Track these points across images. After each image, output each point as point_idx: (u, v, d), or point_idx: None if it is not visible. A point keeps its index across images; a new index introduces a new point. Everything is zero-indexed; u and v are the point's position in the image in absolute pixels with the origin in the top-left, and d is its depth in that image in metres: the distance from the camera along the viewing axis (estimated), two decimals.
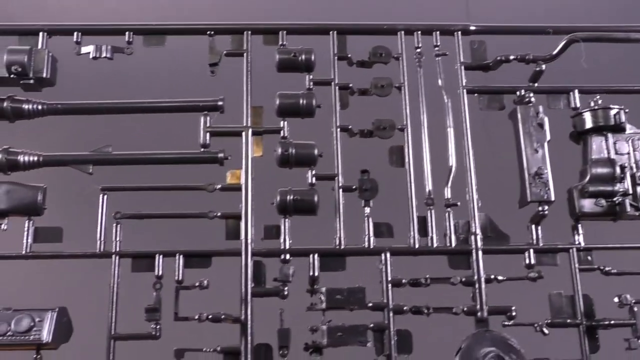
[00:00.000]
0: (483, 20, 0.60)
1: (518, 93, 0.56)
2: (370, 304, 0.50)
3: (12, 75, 0.52)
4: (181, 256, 0.50)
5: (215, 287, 0.51)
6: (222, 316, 0.48)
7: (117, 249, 0.50)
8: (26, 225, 0.50)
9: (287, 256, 0.50)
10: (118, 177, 0.53)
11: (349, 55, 0.56)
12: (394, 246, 0.52)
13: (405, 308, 0.50)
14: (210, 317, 0.48)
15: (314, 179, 0.52)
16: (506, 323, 0.51)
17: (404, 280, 0.51)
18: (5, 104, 0.52)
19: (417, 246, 0.51)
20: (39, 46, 0.54)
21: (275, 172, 0.54)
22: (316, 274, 0.50)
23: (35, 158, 0.52)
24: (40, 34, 0.55)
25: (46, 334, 0.47)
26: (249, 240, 0.50)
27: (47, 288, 0.55)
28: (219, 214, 0.51)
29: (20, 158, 0.52)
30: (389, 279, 0.50)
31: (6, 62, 0.52)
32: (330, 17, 0.58)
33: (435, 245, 0.51)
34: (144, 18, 0.57)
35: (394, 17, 0.59)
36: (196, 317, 0.48)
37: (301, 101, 0.53)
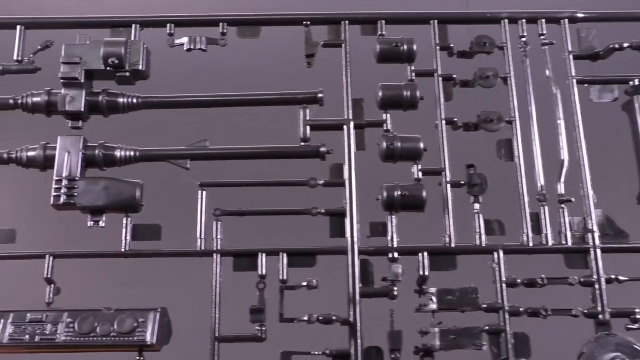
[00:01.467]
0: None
1: (631, 83, 0.54)
2: (485, 306, 0.47)
3: (108, 68, 0.51)
4: (285, 255, 0.48)
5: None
6: (334, 317, 0.46)
7: (219, 248, 0.48)
8: (124, 222, 0.49)
9: (396, 255, 0.48)
10: (211, 173, 0.52)
11: (452, 45, 0.54)
12: (507, 244, 0.49)
13: (521, 310, 0.48)
14: (321, 318, 0.46)
15: (420, 174, 0.50)
16: (630, 326, 0.48)
17: (518, 281, 0.48)
18: (100, 98, 0.51)
19: (531, 244, 0.49)
20: (132, 38, 0.53)
21: (373, 167, 0.52)
22: (426, 273, 0.48)
23: (132, 153, 0.51)
24: (133, 26, 0.54)
25: (150, 335, 0.45)
26: (355, 239, 0.48)
27: (146, 287, 0.53)
28: (322, 210, 0.50)
29: (117, 153, 0.51)
30: (503, 279, 0.48)
31: (103, 55, 0.51)
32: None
33: (550, 243, 0.49)
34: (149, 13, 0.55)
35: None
36: (305, 318, 0.46)
37: (405, 93, 0.51)
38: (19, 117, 0.52)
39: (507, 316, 0.46)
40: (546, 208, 0.49)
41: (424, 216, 0.50)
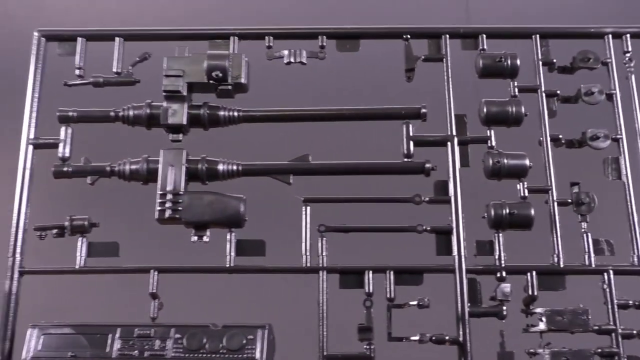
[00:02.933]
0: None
1: None
2: (596, 327, 0.47)
3: (210, 81, 0.51)
4: (392, 272, 0.48)
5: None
6: (447, 337, 0.46)
7: (324, 264, 0.48)
8: (228, 237, 0.49)
9: (504, 274, 0.47)
10: (309, 189, 0.51)
11: (554, 60, 0.53)
12: (617, 265, 0.49)
13: (634, 332, 0.47)
14: (433, 338, 0.46)
15: (526, 191, 0.50)
16: None
17: (630, 302, 0.47)
18: (201, 111, 0.51)
19: None
20: (230, 50, 0.53)
21: (475, 184, 0.52)
22: (535, 293, 0.47)
23: (235, 167, 0.50)
24: (232, 38, 0.53)
25: (259, 353, 0.45)
26: (462, 257, 0.48)
27: (247, 303, 0.53)
28: (428, 227, 0.49)
29: (220, 167, 0.51)
30: (615, 300, 0.47)
31: (207, 67, 0.50)
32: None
33: None
34: (144, 18, 0.54)
35: (389, 19, 0.56)
36: (417, 337, 0.46)
37: (510, 109, 0.51)
38: (107, 129, 0.52)
39: (620, 338, 0.45)
40: None
41: (528, 234, 0.50)
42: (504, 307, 0.46)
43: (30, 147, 0.50)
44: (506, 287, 0.46)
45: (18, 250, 0.47)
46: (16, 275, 0.47)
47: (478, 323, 0.47)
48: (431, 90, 0.52)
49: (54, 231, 0.48)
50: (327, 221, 0.48)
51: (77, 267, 0.48)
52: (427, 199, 0.49)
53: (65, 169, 0.50)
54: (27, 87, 0.51)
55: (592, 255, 0.47)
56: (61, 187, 0.51)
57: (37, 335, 0.46)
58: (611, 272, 0.47)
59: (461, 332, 0.45)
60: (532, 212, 0.48)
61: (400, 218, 0.49)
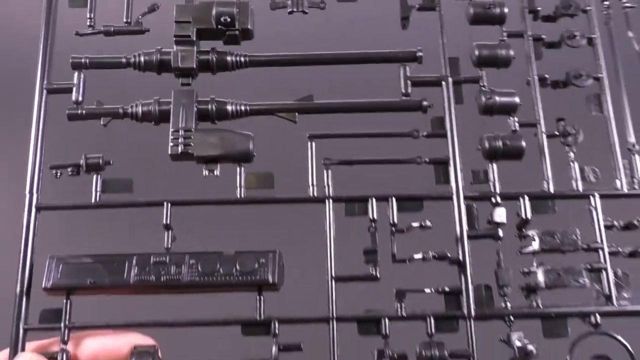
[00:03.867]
0: None
1: None
2: (585, 246, 0.50)
3: (219, 27, 0.53)
4: (394, 199, 0.50)
5: (422, 230, 0.51)
6: (448, 254, 0.48)
7: (330, 194, 0.51)
8: (238, 171, 0.51)
9: (499, 199, 0.50)
10: (313, 127, 0.54)
11: (539, 9, 0.57)
12: (602, 189, 0.52)
13: (620, 250, 0.50)
14: (435, 255, 0.48)
15: (517, 125, 0.53)
16: None
17: (615, 223, 0.51)
18: (210, 56, 0.54)
19: (625, 190, 0.51)
20: None
21: (468, 121, 0.55)
22: (529, 216, 0.50)
23: (243, 107, 0.53)
24: None
25: (271, 275, 0.47)
26: (460, 184, 0.51)
27: (257, 234, 0.55)
28: (427, 159, 0.52)
29: (229, 107, 0.53)
30: (601, 221, 0.51)
31: (216, 13, 0.53)
32: None
33: None
34: None
35: None
36: (419, 256, 0.48)
37: (499, 51, 0.54)
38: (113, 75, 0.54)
39: (606, 255, 0.49)
40: (637, 157, 0.52)
41: (519, 167, 0.53)
42: (500, 230, 0.49)
43: (45, 92, 0.52)
44: (501, 210, 0.49)
45: (35, 187, 0.49)
46: (33, 211, 0.49)
47: (476, 247, 0.50)
48: (426, 40, 0.56)
49: (69, 170, 0.51)
50: (331, 156, 0.51)
51: (93, 202, 0.50)
52: (425, 133, 0.52)
53: (79, 111, 0.52)
54: (40, 39, 0.53)
55: (579, 181, 0.51)
56: (74, 135, 0.53)
57: (56, 265, 0.48)
58: (597, 195, 0.50)
59: (460, 252, 0.48)
60: (523, 143, 0.51)
61: (400, 153, 0.52)
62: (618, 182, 0.52)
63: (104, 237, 0.51)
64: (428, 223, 0.48)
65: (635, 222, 0.50)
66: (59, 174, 0.50)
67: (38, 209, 0.49)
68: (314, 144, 0.51)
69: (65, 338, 0.46)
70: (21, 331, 0.46)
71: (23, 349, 0.45)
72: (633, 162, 0.52)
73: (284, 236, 0.50)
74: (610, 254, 0.49)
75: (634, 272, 0.50)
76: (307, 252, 0.50)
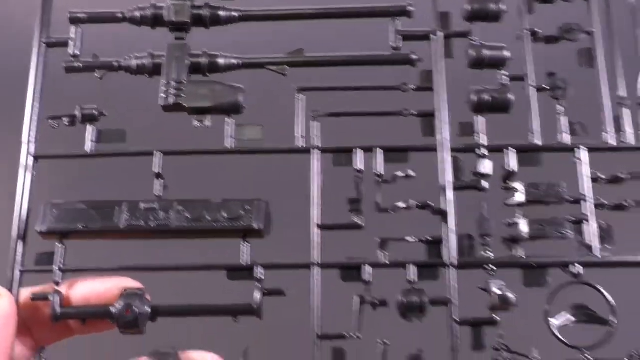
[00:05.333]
0: None
1: None
2: (569, 198, 0.50)
3: None
4: (380, 150, 0.51)
5: (408, 181, 0.51)
6: (431, 203, 0.49)
7: (317, 144, 0.51)
8: (227, 120, 0.52)
9: (484, 152, 0.51)
10: (306, 80, 0.55)
11: None
12: (589, 142, 0.52)
13: (604, 202, 0.50)
14: (417, 204, 0.49)
15: (506, 79, 0.53)
16: None
17: (601, 175, 0.51)
18: (203, 11, 0.55)
19: (612, 142, 0.51)
20: None
21: (459, 75, 0.55)
22: (514, 169, 0.50)
23: (234, 61, 0.54)
24: None
25: (256, 222, 0.48)
26: (446, 136, 0.51)
27: (248, 182, 0.56)
28: (414, 112, 0.53)
29: (220, 60, 0.54)
30: (587, 173, 0.50)
31: None
32: None
33: (633, 142, 0.51)
34: None
35: None
36: (403, 205, 0.49)
37: (490, 5, 0.54)
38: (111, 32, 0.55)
39: (591, 207, 0.48)
40: (626, 110, 0.52)
41: (508, 122, 0.53)
42: (485, 182, 0.50)
43: (44, 46, 0.53)
44: (487, 162, 0.50)
45: (32, 136, 0.51)
46: (31, 159, 0.50)
47: (461, 199, 0.50)
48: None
49: (66, 120, 0.52)
50: (320, 109, 0.52)
51: (87, 151, 0.51)
52: (412, 86, 0.52)
53: (76, 64, 0.53)
54: None
55: (567, 133, 0.51)
56: (71, 90, 0.55)
57: (50, 210, 0.49)
58: (583, 148, 0.50)
59: (443, 202, 0.48)
60: (511, 96, 0.51)
61: (389, 107, 0.53)
62: (606, 136, 0.52)
63: (98, 186, 0.52)
64: (412, 173, 0.49)
65: (621, 176, 0.50)
66: (55, 126, 0.52)
67: (35, 158, 0.51)
68: (303, 96, 0.52)
69: (59, 280, 0.48)
70: (17, 273, 0.48)
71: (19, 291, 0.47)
72: (622, 116, 0.51)
73: (272, 187, 0.51)
74: (595, 206, 0.49)
75: (619, 225, 0.50)
76: (294, 202, 0.51)
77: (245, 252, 0.48)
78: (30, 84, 0.52)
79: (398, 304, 0.47)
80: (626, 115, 0.51)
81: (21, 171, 0.50)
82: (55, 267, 0.48)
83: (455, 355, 0.46)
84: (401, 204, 0.48)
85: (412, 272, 0.47)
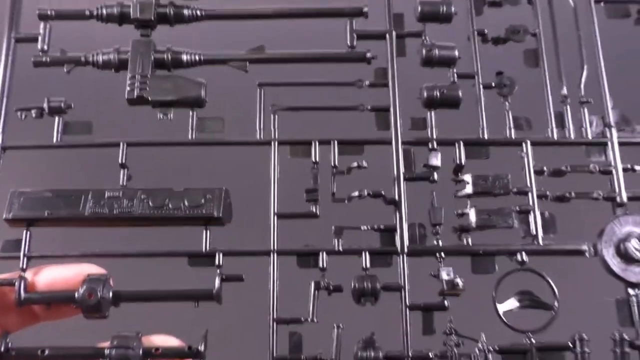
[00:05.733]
0: None
1: None
2: (515, 189, 0.53)
3: None
4: (336, 142, 0.53)
5: (363, 173, 0.54)
6: (382, 192, 0.51)
7: (276, 137, 0.54)
8: (190, 114, 0.54)
9: (435, 145, 0.53)
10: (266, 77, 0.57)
11: None
12: (534, 137, 0.55)
13: (548, 193, 0.53)
14: (370, 193, 0.51)
15: (455, 77, 0.56)
16: None
17: (545, 168, 0.53)
18: (167, 9, 0.57)
19: (555, 137, 0.54)
20: None
21: (411, 73, 0.58)
22: (463, 162, 0.53)
23: (197, 57, 0.56)
24: None
25: (216, 209, 0.50)
26: (399, 129, 0.53)
27: (206, 175, 0.58)
28: (369, 107, 0.55)
29: (184, 57, 0.56)
30: (531, 166, 0.53)
31: None
32: None
33: (572, 137, 0.54)
34: None
35: None
36: (356, 194, 0.51)
37: (441, 7, 0.57)
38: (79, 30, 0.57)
39: (535, 198, 0.51)
40: (568, 107, 0.55)
41: (458, 117, 0.56)
42: (435, 174, 0.52)
43: (13, 41, 0.55)
44: (436, 154, 0.52)
45: (1, 128, 0.52)
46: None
47: (412, 191, 0.52)
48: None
49: (34, 112, 0.54)
50: (278, 103, 0.54)
51: (54, 142, 0.53)
52: (367, 82, 0.55)
53: (44, 59, 0.55)
54: None
55: (512, 129, 0.53)
56: (39, 83, 0.57)
57: (17, 198, 0.51)
58: (529, 142, 0.53)
59: (396, 193, 0.51)
60: (460, 92, 0.54)
61: (344, 102, 0.55)
62: (549, 131, 0.55)
63: (64, 176, 0.54)
64: (364, 163, 0.51)
65: (563, 169, 0.53)
66: (23, 116, 0.54)
67: (3, 149, 0.52)
68: (263, 91, 0.54)
69: (24, 267, 0.49)
70: None
71: None
72: (565, 113, 0.54)
73: (232, 177, 0.52)
74: (539, 197, 0.52)
75: (561, 215, 0.52)
76: (254, 191, 0.53)
77: (206, 239, 0.50)
78: None
79: (352, 290, 0.49)
80: (568, 112, 0.54)
81: None
82: (21, 254, 0.49)
83: (406, 339, 0.48)
84: (355, 193, 0.50)
85: (366, 259, 0.50)
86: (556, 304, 0.49)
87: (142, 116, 0.54)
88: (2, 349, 0.46)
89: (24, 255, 0.49)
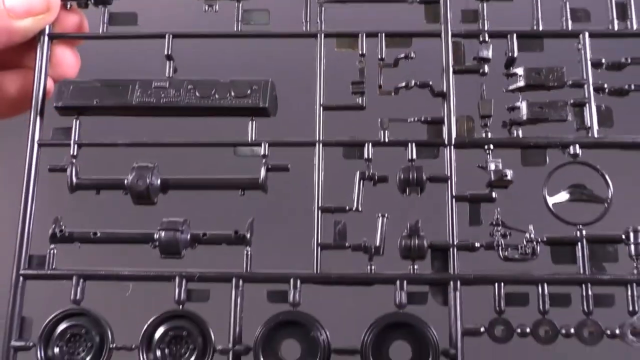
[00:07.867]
0: None
1: None
2: (570, 82, 0.51)
3: None
4: (384, 35, 0.52)
5: (411, 68, 0.52)
6: (430, 83, 0.50)
7: (322, 29, 0.53)
8: (236, 6, 0.54)
9: (486, 37, 0.51)
10: None
11: None
12: (592, 28, 0.52)
13: (605, 86, 0.51)
14: (417, 83, 0.49)
15: None
16: None
17: (603, 60, 0.51)
18: None
19: (616, 28, 0.52)
20: None
21: None
22: (515, 55, 0.51)
23: None
24: None
25: (262, 100, 0.50)
26: (449, 22, 0.52)
27: (256, 66, 0.58)
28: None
29: None
30: (589, 58, 0.51)
31: None
32: None
33: (634, 28, 0.52)
34: None
35: None
36: (403, 84, 0.50)
37: None
38: None
39: (591, 90, 0.49)
40: None
41: (511, 9, 0.54)
42: (486, 67, 0.50)
43: None
44: (488, 47, 0.50)
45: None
46: (47, 40, 0.52)
47: (462, 84, 0.51)
48: None
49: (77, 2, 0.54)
50: None
51: (100, 32, 0.53)
52: None
53: None
54: None
55: (570, 20, 0.51)
56: None
57: (66, 87, 0.51)
58: (587, 33, 0.50)
59: (445, 84, 0.50)
60: None
61: None
62: (610, 23, 0.52)
63: (110, 69, 0.54)
64: (413, 54, 0.50)
65: (623, 61, 0.50)
66: (69, 6, 0.54)
67: (51, 38, 0.52)
68: None
69: (75, 154, 0.50)
70: (35, 146, 0.50)
71: (37, 163, 0.50)
72: (628, 3, 0.52)
73: (278, 71, 0.52)
74: (595, 90, 0.50)
75: (618, 109, 0.50)
76: (299, 85, 0.52)
77: (251, 129, 0.50)
78: None
79: (397, 180, 0.48)
80: (632, 1, 0.51)
81: (38, 51, 0.52)
82: (71, 142, 0.50)
83: (451, 229, 0.48)
84: (402, 84, 0.49)
85: (412, 150, 0.49)
86: (610, 196, 0.48)
87: (188, 8, 0.54)
88: (57, 230, 0.47)
89: (74, 142, 0.50)
